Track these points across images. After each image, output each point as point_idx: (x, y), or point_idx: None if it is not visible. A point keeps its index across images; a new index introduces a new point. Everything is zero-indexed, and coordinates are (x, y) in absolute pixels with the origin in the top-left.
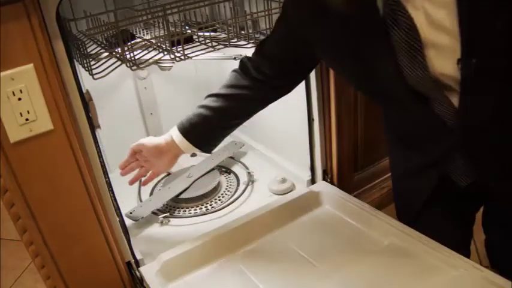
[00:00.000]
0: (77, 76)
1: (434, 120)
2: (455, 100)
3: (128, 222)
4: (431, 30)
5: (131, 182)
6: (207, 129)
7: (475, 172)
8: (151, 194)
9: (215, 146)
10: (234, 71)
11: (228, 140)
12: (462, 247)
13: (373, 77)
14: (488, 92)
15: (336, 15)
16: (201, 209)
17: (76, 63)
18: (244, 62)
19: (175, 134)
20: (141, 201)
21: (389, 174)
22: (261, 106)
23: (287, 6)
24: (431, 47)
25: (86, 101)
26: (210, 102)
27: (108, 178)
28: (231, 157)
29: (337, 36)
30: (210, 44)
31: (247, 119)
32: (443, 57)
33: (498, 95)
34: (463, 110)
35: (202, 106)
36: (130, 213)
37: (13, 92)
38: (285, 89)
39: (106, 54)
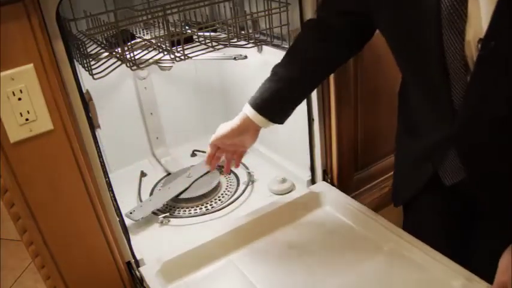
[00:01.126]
0: (77, 76)
1: (446, 100)
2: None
3: (128, 222)
4: (475, 5)
5: (227, 171)
6: (279, 102)
7: (463, 169)
8: (151, 194)
9: (289, 116)
10: (301, 32)
11: None
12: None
13: (412, 38)
14: (496, 80)
15: None
16: (201, 209)
17: (76, 63)
18: (309, 21)
19: (249, 111)
20: (141, 201)
21: (390, 174)
22: (332, 68)
23: None
24: (469, 17)
25: (86, 101)
26: (280, 72)
27: (108, 178)
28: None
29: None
30: (210, 44)
31: (318, 85)
32: (469, 25)
33: (502, 89)
34: (471, 90)
35: (272, 78)
36: (131, 213)
37: (13, 92)
38: (354, 46)
39: (106, 54)
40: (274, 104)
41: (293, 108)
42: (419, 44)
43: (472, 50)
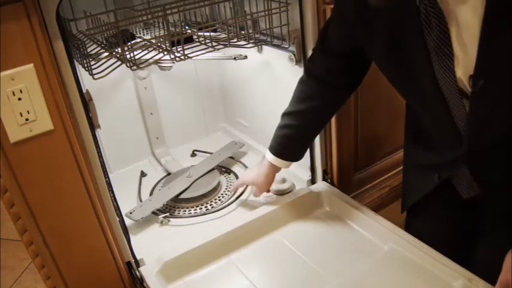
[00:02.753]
0: (77, 76)
1: (451, 126)
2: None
3: (128, 222)
4: (459, 40)
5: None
6: (296, 145)
7: (477, 187)
8: (151, 194)
9: (306, 151)
10: (301, 81)
11: (228, 140)
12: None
13: (407, 74)
14: (492, 110)
15: (376, 12)
16: (201, 209)
17: (76, 63)
18: (309, 69)
19: (271, 159)
20: (141, 201)
21: (390, 174)
22: (334, 110)
23: (343, 11)
24: (457, 55)
25: (86, 101)
26: (290, 120)
27: (108, 178)
28: (231, 157)
29: (378, 32)
30: (210, 44)
31: (328, 122)
32: (460, 66)
33: (502, 116)
34: (471, 120)
35: (285, 126)
36: (130, 213)
37: (13, 92)
38: (354, 85)
39: (106, 54)
40: (292, 148)
41: (309, 145)
42: (415, 80)
43: (464, 84)
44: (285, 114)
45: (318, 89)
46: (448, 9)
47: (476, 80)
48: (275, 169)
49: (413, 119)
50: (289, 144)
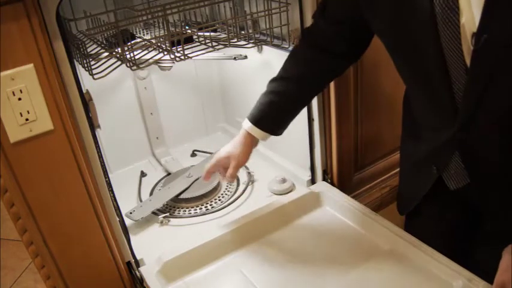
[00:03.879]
0: (77, 76)
1: (448, 99)
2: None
3: (128, 222)
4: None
5: (231, 179)
6: (279, 115)
7: (466, 177)
8: (151, 194)
9: (286, 127)
10: (298, 45)
11: (228, 140)
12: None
13: (409, 38)
14: (492, 74)
15: None
16: (201, 209)
17: (76, 63)
18: (305, 36)
19: (248, 126)
20: (141, 201)
21: (390, 174)
22: (328, 80)
23: None
24: (461, 11)
25: (86, 101)
26: (279, 86)
27: (108, 178)
28: None
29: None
30: (210, 44)
31: (315, 95)
32: (469, 24)
33: (500, 83)
34: (469, 88)
35: (271, 92)
36: (130, 213)
37: (13, 92)
38: (351, 56)
39: (106, 54)
40: (272, 117)
41: (291, 120)
42: (417, 45)
43: (468, 45)
44: (273, 80)
45: (314, 54)
46: None
47: (479, 36)
48: (252, 140)
49: (409, 107)
50: (271, 112)
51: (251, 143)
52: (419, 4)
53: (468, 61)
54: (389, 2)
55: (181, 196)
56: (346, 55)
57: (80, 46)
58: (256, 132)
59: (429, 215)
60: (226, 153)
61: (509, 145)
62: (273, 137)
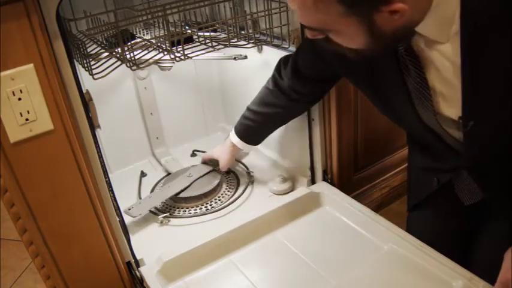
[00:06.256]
0: (77, 76)
1: (444, 147)
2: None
3: (128, 221)
4: (440, 82)
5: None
6: (256, 135)
7: (480, 193)
8: (151, 193)
9: (263, 140)
10: (269, 89)
11: None
12: (455, 249)
13: (392, 110)
14: (487, 143)
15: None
16: (201, 209)
17: (76, 63)
18: (278, 83)
19: (236, 141)
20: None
21: (390, 174)
22: (297, 115)
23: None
24: (439, 95)
25: (86, 101)
26: (253, 116)
27: (108, 178)
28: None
29: (360, 74)
30: (210, 44)
31: (286, 123)
32: (449, 105)
33: (497, 144)
34: (467, 148)
35: (248, 119)
36: (129, 209)
37: (13, 92)
38: (316, 100)
39: (106, 54)
40: (253, 136)
41: (267, 136)
42: (400, 117)
43: (451, 117)
44: (250, 110)
45: (282, 101)
46: (423, 55)
47: (466, 122)
48: (236, 149)
49: (411, 136)
50: (250, 133)
51: (234, 152)
52: (395, 88)
53: (447, 129)
54: (367, 81)
55: (181, 196)
56: (311, 101)
57: (80, 46)
58: (242, 145)
59: (431, 214)
60: (218, 155)
61: None
62: (273, 137)
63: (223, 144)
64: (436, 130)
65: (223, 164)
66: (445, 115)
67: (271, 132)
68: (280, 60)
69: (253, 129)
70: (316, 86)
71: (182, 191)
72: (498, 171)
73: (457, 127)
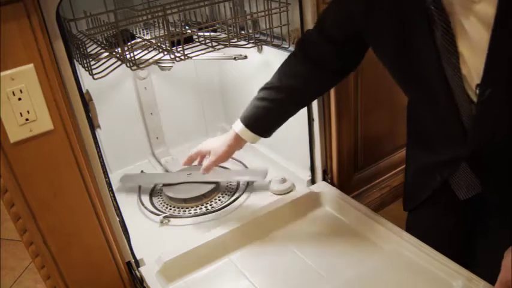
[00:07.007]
0: (77, 76)
1: (457, 123)
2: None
3: (128, 221)
4: (463, 43)
5: (206, 171)
6: (271, 120)
7: (477, 186)
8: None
9: (276, 129)
10: (292, 56)
11: None
12: (455, 249)
13: (417, 66)
14: (500, 116)
15: (385, 9)
16: (201, 209)
17: (76, 63)
18: (302, 43)
19: (239, 128)
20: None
21: (390, 174)
22: (319, 93)
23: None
24: (460, 57)
25: (86, 101)
26: (272, 94)
27: (108, 178)
28: (233, 158)
29: (387, 27)
30: (210, 44)
31: (309, 103)
32: (472, 69)
33: (505, 126)
34: (478, 123)
35: (264, 99)
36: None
37: (13, 92)
38: (346, 71)
39: (106, 54)
40: (264, 121)
41: (280, 125)
42: (424, 79)
43: (469, 84)
44: (266, 88)
45: (308, 68)
46: (453, 11)
47: (484, 90)
48: (239, 142)
49: (415, 119)
50: (264, 117)
51: (236, 146)
52: (424, 45)
53: (472, 97)
54: (394, 39)
55: (181, 196)
56: (339, 71)
57: (80, 46)
58: (247, 134)
59: (431, 214)
60: (210, 147)
61: None
62: (273, 137)
63: (220, 137)
64: (456, 93)
65: (216, 157)
66: (466, 77)
67: (286, 117)
68: (312, 29)
69: (263, 111)
70: (340, 49)
71: (180, 184)
72: (498, 163)
73: (469, 101)
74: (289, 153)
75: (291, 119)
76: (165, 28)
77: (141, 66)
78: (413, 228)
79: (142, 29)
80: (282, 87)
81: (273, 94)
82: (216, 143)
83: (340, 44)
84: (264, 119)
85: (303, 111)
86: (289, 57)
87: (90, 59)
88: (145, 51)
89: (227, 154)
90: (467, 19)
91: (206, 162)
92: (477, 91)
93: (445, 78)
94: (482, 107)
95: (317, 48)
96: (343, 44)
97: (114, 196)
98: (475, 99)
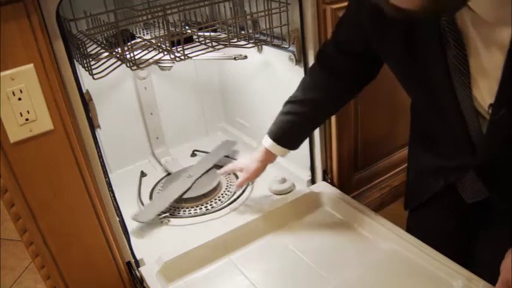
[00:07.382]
0: (77, 76)
1: (465, 138)
2: (484, 128)
3: (128, 221)
4: (475, 64)
5: (238, 187)
6: (297, 133)
7: (484, 191)
8: (151, 194)
9: (303, 142)
10: (312, 67)
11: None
12: (456, 249)
13: (427, 85)
14: (509, 136)
15: (393, 24)
16: (201, 209)
17: (76, 63)
18: (322, 55)
19: (269, 144)
20: (141, 201)
21: (390, 174)
22: (343, 103)
23: (358, 12)
24: (475, 75)
25: (86, 101)
26: (296, 108)
27: (108, 178)
28: (230, 157)
29: (399, 44)
30: (210, 44)
31: (331, 115)
32: (483, 90)
33: None
34: (487, 140)
35: (289, 113)
36: (136, 215)
37: (13, 92)
38: (364, 82)
39: (106, 54)
40: (291, 135)
41: (307, 137)
42: (432, 94)
43: (480, 103)
44: (291, 102)
45: (328, 80)
46: (466, 31)
47: (497, 109)
48: (270, 157)
49: (421, 124)
50: (291, 130)
51: (267, 160)
52: (435, 63)
53: (482, 112)
54: (405, 55)
55: (181, 196)
56: (358, 82)
57: (80, 46)
58: (276, 149)
59: (433, 214)
60: (243, 165)
61: None
62: None
63: (252, 155)
64: (466, 111)
65: (248, 174)
66: (477, 98)
67: (312, 129)
68: (328, 41)
69: (289, 125)
70: (358, 62)
71: (185, 192)
72: (507, 172)
73: (478, 118)
74: (289, 153)
75: None
76: (165, 28)
77: (141, 66)
78: (414, 228)
79: (142, 29)
80: (305, 100)
81: (297, 108)
82: (249, 162)
83: (356, 56)
84: (290, 133)
85: None
86: (310, 68)
87: (90, 59)
88: (145, 51)
89: (259, 170)
90: (481, 41)
91: (240, 179)
92: (490, 110)
93: (455, 97)
94: (493, 126)
95: (334, 60)
96: (359, 56)
97: (114, 196)
98: (486, 117)
